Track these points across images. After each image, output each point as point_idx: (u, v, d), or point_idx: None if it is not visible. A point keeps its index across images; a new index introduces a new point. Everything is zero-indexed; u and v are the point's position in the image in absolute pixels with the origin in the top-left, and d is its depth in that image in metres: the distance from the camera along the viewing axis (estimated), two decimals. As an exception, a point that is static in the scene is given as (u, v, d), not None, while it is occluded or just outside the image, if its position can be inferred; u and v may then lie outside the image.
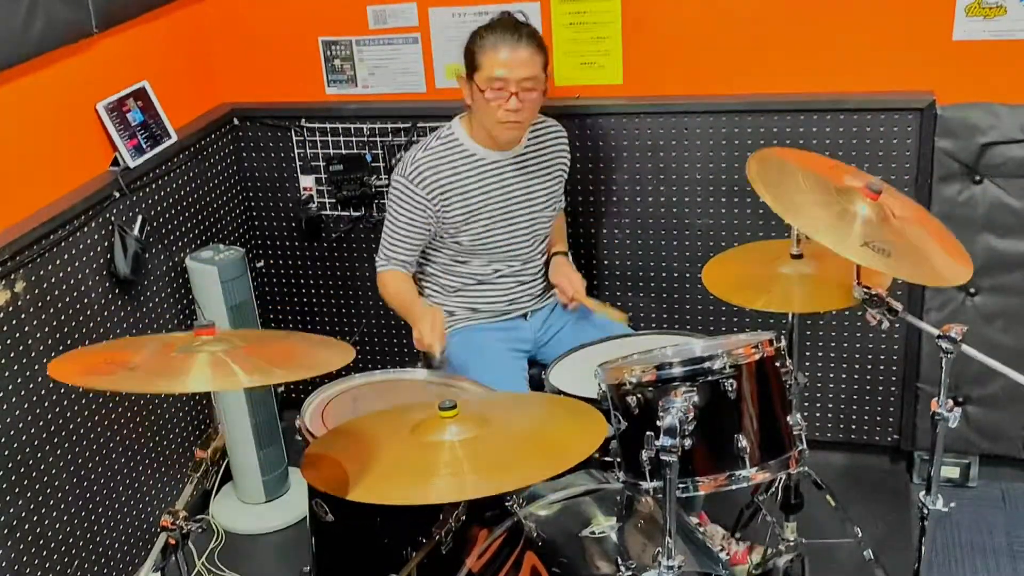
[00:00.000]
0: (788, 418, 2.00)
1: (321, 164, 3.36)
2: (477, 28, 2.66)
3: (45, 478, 2.56)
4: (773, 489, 2.48)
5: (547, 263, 2.90)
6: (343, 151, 3.33)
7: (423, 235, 2.73)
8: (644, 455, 1.91)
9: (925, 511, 2.08)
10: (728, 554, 2.63)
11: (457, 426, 1.83)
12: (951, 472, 3.11)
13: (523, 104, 2.59)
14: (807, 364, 3.18)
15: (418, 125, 3.20)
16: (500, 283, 2.81)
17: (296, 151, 3.38)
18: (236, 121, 3.39)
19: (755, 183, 2.04)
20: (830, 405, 3.23)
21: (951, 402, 1.99)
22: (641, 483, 1.95)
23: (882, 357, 3.13)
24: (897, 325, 2.16)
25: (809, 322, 3.13)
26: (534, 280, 2.85)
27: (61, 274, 2.61)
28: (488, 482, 1.74)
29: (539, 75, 2.61)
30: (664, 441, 1.74)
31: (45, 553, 2.56)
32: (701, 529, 2.57)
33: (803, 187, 2.10)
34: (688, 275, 3.19)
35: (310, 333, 2.01)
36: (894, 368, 3.12)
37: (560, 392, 2.29)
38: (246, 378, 1.66)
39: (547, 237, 2.88)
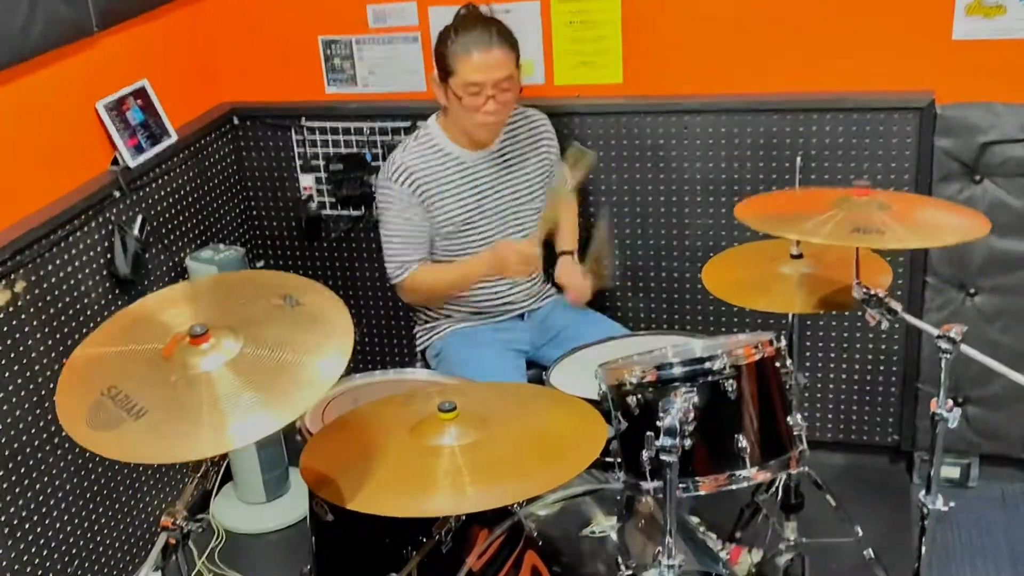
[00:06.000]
0: (788, 418, 2.01)
1: (321, 163, 3.36)
2: (445, 28, 2.64)
3: (45, 478, 2.56)
4: (773, 489, 2.48)
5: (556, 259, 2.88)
6: (343, 150, 3.33)
7: (424, 230, 2.70)
8: (644, 455, 1.91)
9: (925, 511, 2.08)
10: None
11: (457, 428, 1.83)
12: (951, 472, 3.12)
13: (500, 105, 2.59)
14: (807, 364, 3.18)
15: (418, 124, 3.18)
16: (489, 284, 2.79)
17: (296, 150, 3.37)
18: (236, 120, 3.38)
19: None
20: (830, 405, 3.23)
21: (951, 402, 2.00)
22: (641, 483, 1.95)
23: (882, 357, 3.13)
24: (897, 325, 2.16)
25: (809, 322, 3.13)
26: (527, 280, 2.84)
27: (61, 274, 2.61)
28: (488, 495, 1.75)
29: (513, 73, 2.60)
30: (664, 441, 1.75)
31: (45, 553, 2.56)
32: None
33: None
34: (688, 275, 3.19)
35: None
36: (894, 368, 3.13)
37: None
38: (266, 423, 1.56)
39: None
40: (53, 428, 2.58)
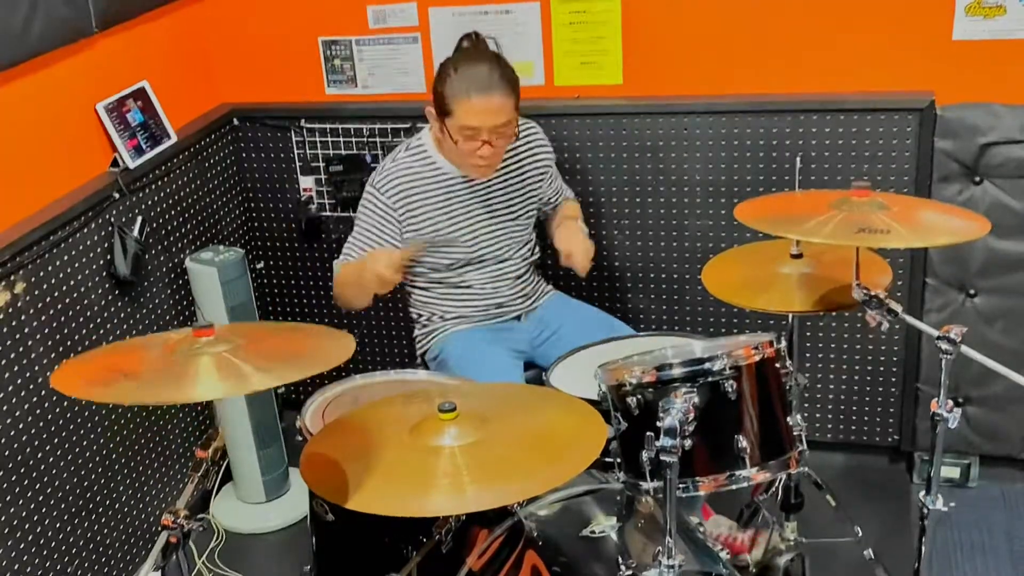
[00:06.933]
0: (788, 419, 2.01)
1: (321, 165, 3.36)
2: (445, 62, 2.57)
3: (45, 478, 2.56)
4: (773, 489, 2.48)
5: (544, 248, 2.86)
6: (343, 151, 3.33)
7: (386, 244, 2.66)
8: (644, 455, 1.91)
9: (925, 511, 2.08)
10: (734, 541, 2.64)
11: (457, 428, 1.83)
12: (951, 472, 3.12)
13: (495, 149, 2.55)
14: (807, 365, 3.18)
15: (418, 125, 3.19)
16: (479, 289, 2.78)
17: (296, 151, 3.38)
18: (236, 121, 3.39)
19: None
20: (830, 406, 3.23)
21: (951, 403, 2.00)
22: (641, 483, 1.95)
23: (882, 358, 3.13)
24: (897, 326, 2.16)
25: (809, 323, 3.13)
26: (521, 283, 2.83)
27: (61, 275, 2.61)
28: (487, 495, 1.75)
29: (512, 118, 2.54)
30: (664, 442, 1.75)
31: (45, 553, 2.56)
32: (704, 525, 2.57)
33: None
34: (688, 276, 3.19)
35: (306, 323, 1.98)
36: (894, 369, 3.13)
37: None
38: (256, 379, 1.64)
39: (529, 241, 2.86)
40: (53, 428, 2.58)
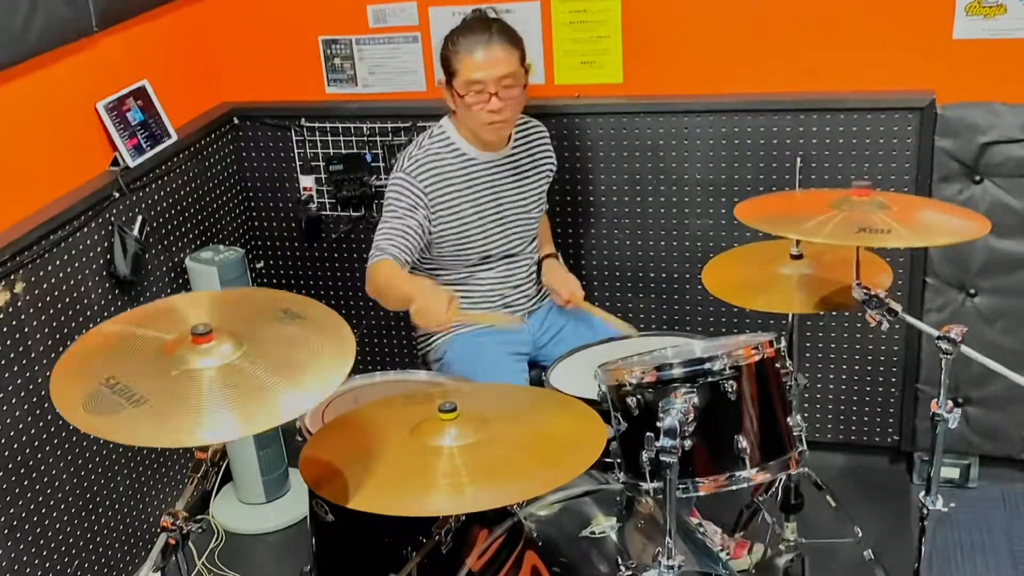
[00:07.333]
0: (788, 419, 2.01)
1: (321, 164, 3.36)
2: (449, 32, 2.64)
3: (45, 478, 2.56)
4: (773, 489, 2.48)
5: (539, 266, 2.89)
6: (343, 151, 3.33)
7: (420, 228, 2.63)
8: (644, 456, 1.91)
9: (925, 511, 2.08)
10: (728, 552, 2.64)
11: (457, 429, 1.83)
12: (951, 473, 3.12)
13: (505, 103, 2.57)
14: (807, 365, 3.18)
15: (418, 124, 3.20)
16: (487, 287, 2.79)
17: (296, 151, 3.37)
18: (236, 121, 3.38)
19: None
20: (830, 406, 3.23)
21: (951, 403, 2.00)
22: (641, 484, 1.95)
23: (882, 358, 3.13)
24: (897, 326, 2.16)
25: (809, 323, 3.13)
26: (527, 282, 2.84)
27: (61, 274, 2.61)
28: (487, 495, 1.75)
29: (517, 71, 2.58)
30: (664, 442, 1.75)
31: (45, 553, 2.56)
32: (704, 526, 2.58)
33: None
34: (688, 276, 3.19)
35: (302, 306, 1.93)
36: (894, 369, 3.12)
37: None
38: (270, 419, 1.59)
39: (535, 238, 2.87)
40: (53, 428, 2.58)
